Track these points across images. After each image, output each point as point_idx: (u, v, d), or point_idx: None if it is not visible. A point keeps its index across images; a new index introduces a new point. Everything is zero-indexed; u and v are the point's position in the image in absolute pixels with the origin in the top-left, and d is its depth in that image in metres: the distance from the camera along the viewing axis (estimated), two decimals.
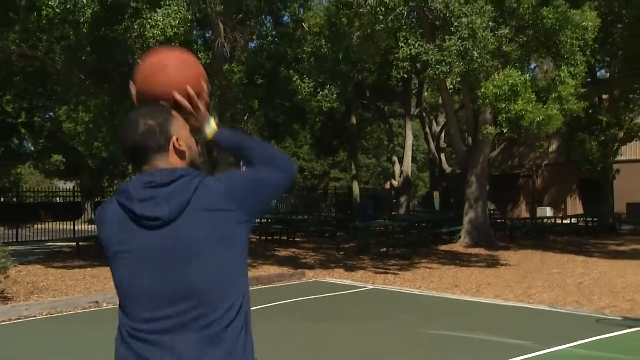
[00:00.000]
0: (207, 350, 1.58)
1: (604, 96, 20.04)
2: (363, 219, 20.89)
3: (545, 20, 12.62)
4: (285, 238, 18.65)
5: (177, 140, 1.74)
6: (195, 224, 1.63)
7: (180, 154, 1.76)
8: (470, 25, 11.30)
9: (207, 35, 14.90)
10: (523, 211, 27.23)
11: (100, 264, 11.96)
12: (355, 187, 24.05)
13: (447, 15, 11.26)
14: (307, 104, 13.38)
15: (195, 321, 1.59)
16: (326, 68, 12.24)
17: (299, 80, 12.12)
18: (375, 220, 19.34)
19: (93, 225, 24.00)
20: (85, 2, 9.94)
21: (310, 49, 12.44)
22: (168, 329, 1.59)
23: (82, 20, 10.22)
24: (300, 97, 12.63)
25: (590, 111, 18.68)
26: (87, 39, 11.23)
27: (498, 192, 23.39)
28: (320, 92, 12.33)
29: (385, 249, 14.82)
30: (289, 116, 18.47)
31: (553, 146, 25.43)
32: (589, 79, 18.30)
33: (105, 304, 8.38)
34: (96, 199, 29.70)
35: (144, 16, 10.21)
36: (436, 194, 25.65)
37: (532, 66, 15.41)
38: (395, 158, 23.73)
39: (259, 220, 19.39)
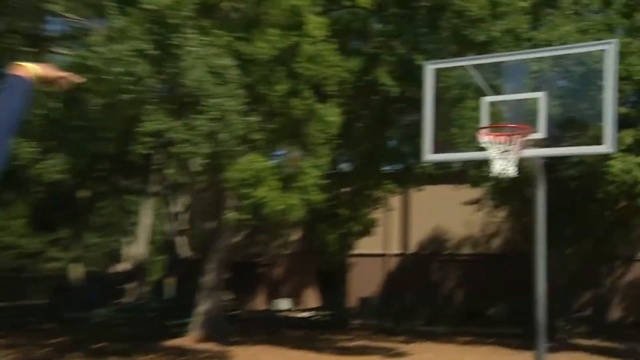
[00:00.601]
0: None
1: (345, 190, 22.40)
2: (83, 307, 19.80)
3: (294, 110, 13.97)
4: None
5: None
6: None
7: None
8: (221, 107, 12.02)
9: None
10: (261, 302, 28.40)
11: None
12: (77, 269, 22.81)
13: (199, 93, 11.86)
14: (28, 171, 12.65)
15: None
16: (58, 134, 11.84)
17: (22, 143, 11.48)
18: (97, 310, 18.49)
19: None
20: None
21: (41, 112, 11.95)
22: None
23: None
24: (20, 162, 11.91)
25: (331, 203, 20.70)
26: None
27: (238, 281, 24.15)
28: (47, 161, 11.81)
29: (104, 344, 14.24)
30: (2, 183, 17.08)
31: (295, 236, 27.36)
32: (333, 171, 20.37)
33: None
34: None
35: None
36: (170, 280, 25.53)
37: (281, 153, 16.71)
38: (128, 238, 23.23)
39: None
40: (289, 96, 13.96)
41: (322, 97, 14.75)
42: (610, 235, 20.56)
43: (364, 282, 25.98)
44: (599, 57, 8.80)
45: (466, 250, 26.33)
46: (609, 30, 15.46)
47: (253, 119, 13.36)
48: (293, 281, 28.69)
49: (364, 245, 23.70)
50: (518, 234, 22.82)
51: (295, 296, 28.20)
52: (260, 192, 13.06)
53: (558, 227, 17.89)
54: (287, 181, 14.30)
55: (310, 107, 13.98)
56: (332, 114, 14.33)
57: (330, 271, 23.89)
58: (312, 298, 27.90)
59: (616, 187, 15.86)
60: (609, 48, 8.36)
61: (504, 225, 24.73)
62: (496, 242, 25.84)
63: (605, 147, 8.47)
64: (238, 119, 12.32)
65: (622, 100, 16.47)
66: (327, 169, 15.24)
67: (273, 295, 28.32)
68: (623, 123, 16.29)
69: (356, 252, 23.46)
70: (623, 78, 14.91)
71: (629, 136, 15.86)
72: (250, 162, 13.11)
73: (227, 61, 11.96)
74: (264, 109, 14.16)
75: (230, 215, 14.35)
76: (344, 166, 22.06)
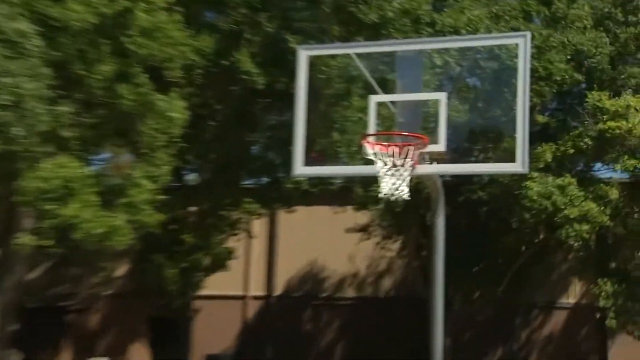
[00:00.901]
0: None
1: (191, 209, 22.17)
2: None
3: (122, 101, 13.73)
4: None
5: None
6: None
7: None
8: (17, 90, 11.63)
9: None
10: None
11: None
12: None
13: None
14: None
15: None
16: None
17: None
18: None
19: None
20: None
21: None
22: None
23: None
24: None
25: (172, 227, 20.42)
26: None
27: (35, 334, 23.31)
28: None
29: None
30: None
31: (120, 271, 26.78)
32: (176, 184, 20.11)
33: None
34: None
35: None
36: None
37: (103, 157, 16.34)
38: None
39: None
40: (116, 81, 13.74)
41: (162, 85, 14.63)
42: (527, 275, 21.67)
43: (214, 332, 25.85)
44: (515, 51, 9.26)
45: (349, 292, 26.84)
46: (526, 18, 16.47)
47: (63, 108, 13.03)
48: (116, 332, 28.04)
49: (216, 284, 23.60)
50: (415, 273, 23.60)
51: (118, 353, 27.59)
52: (71, 209, 12.71)
53: (464, 264, 18.68)
54: (111, 195, 14.03)
55: (145, 98, 13.82)
56: (175, 108, 14.24)
57: (169, 318, 23.58)
58: (141, 355, 27.42)
59: (533, 214, 16.75)
60: (521, 41, 8.81)
61: (398, 260, 25.46)
62: (388, 283, 26.52)
63: (516, 165, 8.87)
64: (41, 108, 11.97)
65: (540, 107, 17.58)
66: (166, 180, 15.10)
67: (86, 352, 27.52)
68: (542, 135, 17.37)
69: (205, 292, 23.28)
70: (542, 78, 15.90)
71: (548, 151, 16.81)
72: (58, 168, 12.75)
73: (25, 26, 11.61)
74: (80, 97, 13.84)
75: (25, 240, 13.82)
76: (191, 178, 21.91)
